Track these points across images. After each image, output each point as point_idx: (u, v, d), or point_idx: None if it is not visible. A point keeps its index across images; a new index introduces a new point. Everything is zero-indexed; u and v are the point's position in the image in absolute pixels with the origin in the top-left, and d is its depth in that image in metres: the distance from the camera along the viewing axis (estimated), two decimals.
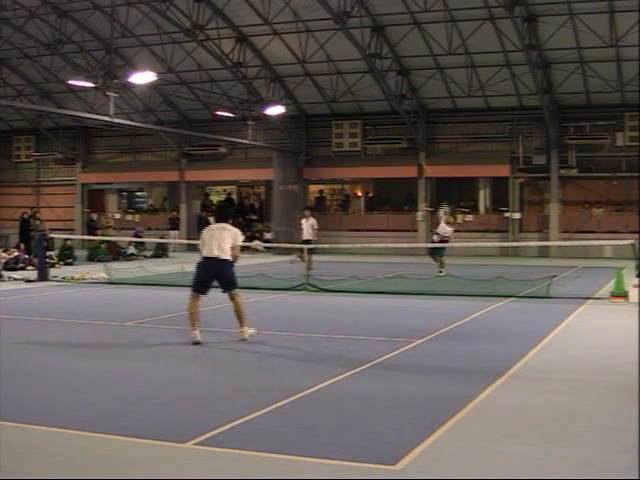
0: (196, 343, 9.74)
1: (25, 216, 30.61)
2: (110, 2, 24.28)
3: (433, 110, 31.70)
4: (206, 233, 10.43)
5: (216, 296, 10.65)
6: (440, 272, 19.76)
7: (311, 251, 19.84)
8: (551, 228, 30.31)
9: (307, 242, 20.46)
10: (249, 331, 10.10)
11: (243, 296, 10.46)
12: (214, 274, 10.23)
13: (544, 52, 27.10)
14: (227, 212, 11.26)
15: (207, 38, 27.53)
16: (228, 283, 10.26)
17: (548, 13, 24.72)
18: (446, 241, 20.50)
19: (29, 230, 28.64)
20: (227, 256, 10.16)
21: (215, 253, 10.09)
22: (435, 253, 20.60)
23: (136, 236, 30.25)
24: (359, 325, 11.81)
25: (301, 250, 19.95)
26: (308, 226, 20.96)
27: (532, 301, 14.58)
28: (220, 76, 30.91)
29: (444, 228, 20.53)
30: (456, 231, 29.37)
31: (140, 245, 29.04)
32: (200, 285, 10.23)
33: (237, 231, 10.52)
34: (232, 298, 10.25)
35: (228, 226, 10.53)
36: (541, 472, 5.11)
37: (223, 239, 10.21)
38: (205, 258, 10.21)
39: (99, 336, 10.59)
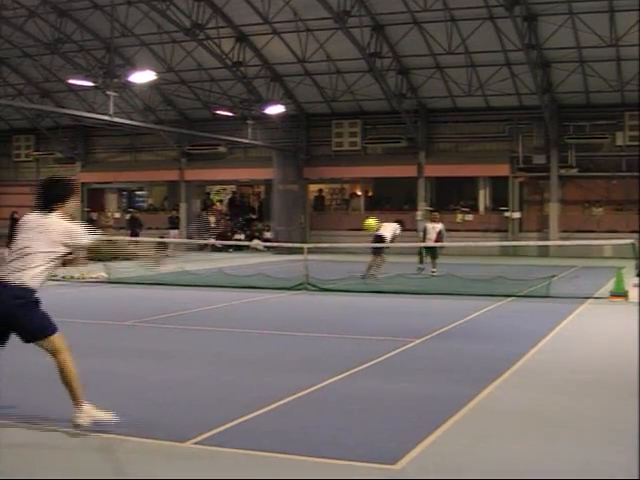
0: None
1: (16, 215, 30.58)
2: (110, 1, 24.31)
3: (433, 109, 31.70)
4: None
5: (216, 296, 10.60)
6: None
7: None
8: (551, 228, 30.31)
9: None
10: (88, 414, 5.95)
11: (243, 296, 10.28)
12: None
13: (544, 51, 27.10)
14: (55, 192, 5.95)
15: (207, 37, 27.54)
16: (31, 330, 6.14)
17: (548, 12, 24.73)
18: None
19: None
20: (27, 278, 5.88)
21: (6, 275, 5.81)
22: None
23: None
24: (359, 325, 11.79)
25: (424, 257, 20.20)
26: (435, 231, 20.56)
27: (532, 301, 14.58)
28: (220, 75, 30.91)
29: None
30: (456, 230, 29.68)
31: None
32: None
33: (71, 227, 5.92)
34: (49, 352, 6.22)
35: (54, 219, 5.89)
36: (541, 472, 5.11)
37: (31, 243, 5.84)
38: None
39: (98, 336, 10.57)
